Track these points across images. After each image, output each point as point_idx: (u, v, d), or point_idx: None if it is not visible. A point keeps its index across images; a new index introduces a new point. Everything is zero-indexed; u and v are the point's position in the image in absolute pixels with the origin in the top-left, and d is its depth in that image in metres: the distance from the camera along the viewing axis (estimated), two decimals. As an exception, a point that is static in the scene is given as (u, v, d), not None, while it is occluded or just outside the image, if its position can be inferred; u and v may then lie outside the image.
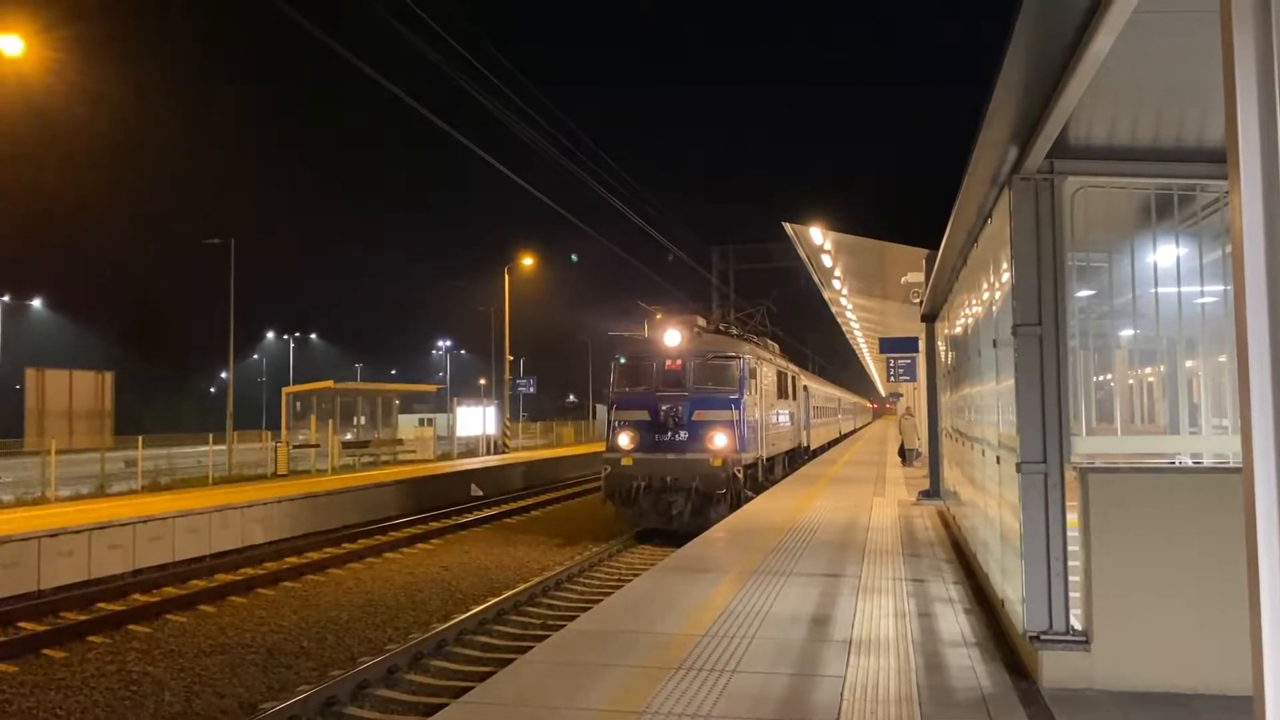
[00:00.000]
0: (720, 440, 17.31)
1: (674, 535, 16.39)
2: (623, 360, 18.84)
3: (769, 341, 26.18)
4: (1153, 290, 5.88)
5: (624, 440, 17.73)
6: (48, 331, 74.28)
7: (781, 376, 24.18)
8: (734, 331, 21.74)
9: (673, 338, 18.23)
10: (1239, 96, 2.26)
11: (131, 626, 11.73)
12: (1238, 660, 5.12)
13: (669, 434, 17.51)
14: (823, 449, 35.97)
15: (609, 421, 18.37)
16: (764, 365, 20.81)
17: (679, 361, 18.16)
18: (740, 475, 17.44)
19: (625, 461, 17.47)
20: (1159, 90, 5.12)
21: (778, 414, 23.00)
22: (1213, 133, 5.48)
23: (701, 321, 19.90)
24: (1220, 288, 5.88)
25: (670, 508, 17.07)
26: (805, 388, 30.38)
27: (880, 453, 32.77)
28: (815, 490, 18.56)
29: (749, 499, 17.09)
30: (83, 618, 12.05)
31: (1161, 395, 7.53)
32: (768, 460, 20.95)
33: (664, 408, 17.58)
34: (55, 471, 20.65)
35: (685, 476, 17.00)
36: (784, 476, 22.85)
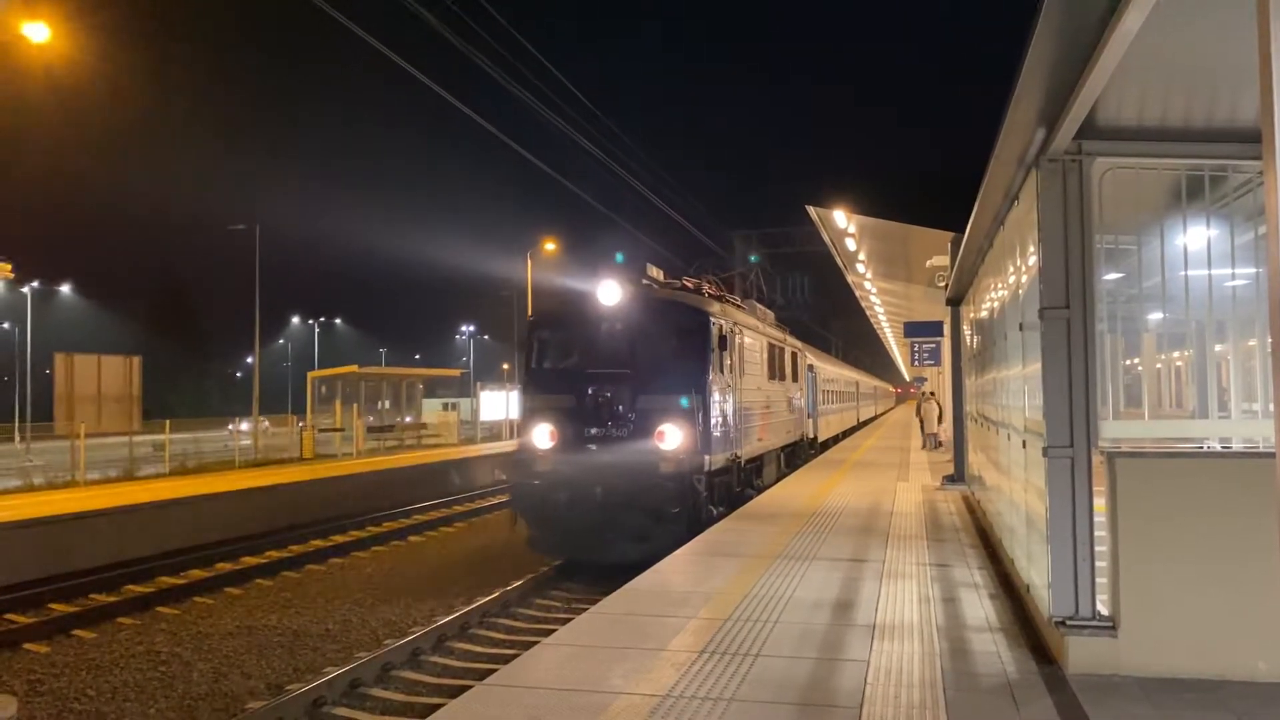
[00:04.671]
0: (675, 436, 12.50)
1: (612, 570, 11.04)
2: (540, 324, 14.28)
3: (757, 306, 20.54)
4: (1182, 273, 5.79)
5: (540, 436, 12.93)
6: (76, 317, 75.40)
7: (775, 351, 18.95)
8: (705, 290, 15.56)
9: (610, 294, 13.21)
10: (1274, 75, 2.22)
11: (159, 608, 11.91)
12: (1267, 647, 5.08)
13: (603, 427, 12.75)
14: (836, 439, 31.81)
15: (521, 408, 13.90)
16: (746, 334, 15.77)
17: (618, 326, 13.27)
18: (703, 486, 12.51)
19: (541, 466, 12.76)
20: (1190, 69, 5.02)
21: (769, 399, 17.85)
22: (1246, 112, 5.37)
23: (656, 273, 14.96)
24: (1252, 270, 5.79)
25: (603, 531, 12.25)
26: (811, 366, 25.50)
27: (905, 438, 32.63)
28: (839, 475, 18.51)
29: (718, 517, 12.72)
30: (112, 599, 12.24)
31: (1190, 379, 7.43)
32: (749, 461, 15.78)
33: (595, 390, 12.83)
34: (85, 455, 20.95)
35: (623, 487, 12.16)
36: (777, 480, 18.18)
